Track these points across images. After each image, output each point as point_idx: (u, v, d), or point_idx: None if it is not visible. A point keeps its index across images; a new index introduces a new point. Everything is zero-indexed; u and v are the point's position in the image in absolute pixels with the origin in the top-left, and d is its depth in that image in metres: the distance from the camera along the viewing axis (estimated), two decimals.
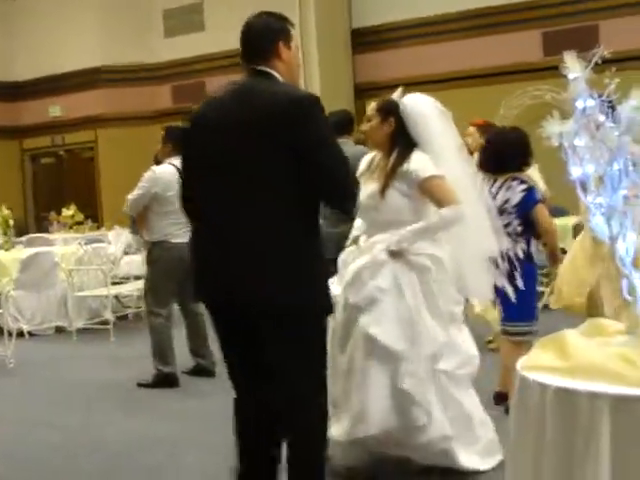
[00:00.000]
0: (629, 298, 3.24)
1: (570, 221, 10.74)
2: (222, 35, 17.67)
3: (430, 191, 4.87)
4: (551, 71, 15.34)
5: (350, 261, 5.02)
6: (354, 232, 5.30)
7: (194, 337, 8.09)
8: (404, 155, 4.93)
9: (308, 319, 3.97)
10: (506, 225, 6.07)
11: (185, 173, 4.29)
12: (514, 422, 3.20)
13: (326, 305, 4.09)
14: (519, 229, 6.09)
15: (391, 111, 5.04)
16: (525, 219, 6.08)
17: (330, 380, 4.37)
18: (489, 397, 6.01)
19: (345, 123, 7.83)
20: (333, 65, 15.42)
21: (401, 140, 4.98)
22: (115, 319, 10.82)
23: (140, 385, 7.81)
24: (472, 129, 8.45)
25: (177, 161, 7.84)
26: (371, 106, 5.16)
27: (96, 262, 11.17)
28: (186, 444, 6.06)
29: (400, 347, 4.74)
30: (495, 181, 6.20)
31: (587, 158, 3.22)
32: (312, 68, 15.14)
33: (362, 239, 5.13)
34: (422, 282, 4.86)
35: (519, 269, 6.05)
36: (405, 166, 4.89)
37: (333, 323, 4.87)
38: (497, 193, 6.14)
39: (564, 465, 2.91)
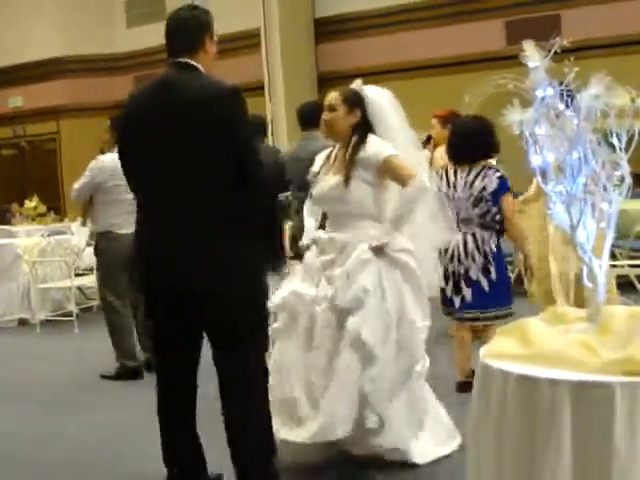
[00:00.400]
0: (589, 285, 3.26)
1: None
2: None
3: (391, 169, 4.88)
4: (514, 60, 15.42)
5: (316, 263, 4.99)
6: (306, 239, 5.28)
7: (141, 332, 8.00)
8: (361, 142, 4.95)
9: (253, 305, 4.20)
10: (482, 215, 6.14)
11: (123, 167, 4.40)
12: (476, 409, 3.21)
13: (267, 293, 4.45)
14: (498, 217, 6.15)
15: (357, 102, 5.06)
16: (500, 207, 6.20)
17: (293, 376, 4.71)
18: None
19: (316, 115, 7.79)
20: (296, 54, 15.39)
21: (362, 130, 4.99)
22: (79, 311, 10.76)
23: (104, 377, 7.75)
24: (434, 121, 8.48)
25: None
26: (331, 95, 5.13)
27: (59, 254, 11.07)
28: (148, 434, 6.04)
29: (379, 352, 4.76)
30: (470, 170, 6.26)
31: (547, 146, 3.23)
32: (275, 57, 15.12)
33: (321, 233, 5.12)
34: (406, 278, 4.89)
35: (493, 262, 6.13)
36: (363, 152, 4.90)
37: (304, 321, 4.89)
38: (473, 182, 6.21)
39: (526, 452, 2.93)
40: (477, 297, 6.18)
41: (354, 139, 4.98)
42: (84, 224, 8.84)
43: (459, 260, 6.19)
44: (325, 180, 4.95)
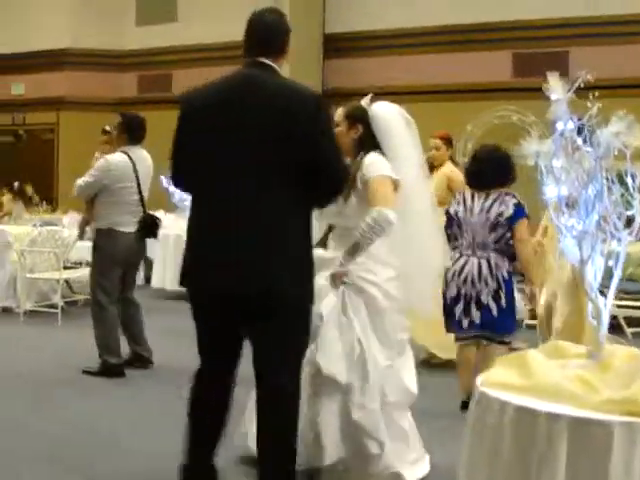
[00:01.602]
0: (593, 322, 3.25)
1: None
2: (194, 28, 17.63)
3: (369, 191, 4.79)
4: (519, 92, 15.56)
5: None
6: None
7: (132, 326, 7.97)
8: (361, 160, 4.92)
9: (306, 310, 4.22)
10: (498, 240, 6.21)
11: (180, 151, 4.25)
12: (470, 436, 3.20)
13: (313, 298, 4.31)
14: (512, 242, 6.26)
15: (359, 118, 5.03)
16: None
17: None
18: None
19: None
20: (304, 69, 15.35)
21: (366, 146, 4.95)
22: (64, 304, 10.70)
23: (85, 372, 7.70)
24: (439, 142, 8.43)
25: (133, 150, 7.77)
26: (338, 112, 5.12)
27: (49, 245, 10.99)
28: (127, 430, 6.03)
29: (346, 379, 4.72)
30: (487, 196, 6.35)
31: (563, 179, 3.23)
32: (283, 70, 15.07)
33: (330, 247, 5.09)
34: (370, 311, 4.84)
35: (504, 287, 6.18)
36: (363, 169, 4.86)
37: None
38: (490, 207, 6.30)
39: None
40: (485, 321, 6.27)
41: (360, 155, 4.95)
42: (87, 223, 8.79)
43: (472, 283, 6.26)
44: None
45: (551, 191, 3.25)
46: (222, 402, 4.39)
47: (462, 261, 6.31)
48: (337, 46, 16.26)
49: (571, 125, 3.25)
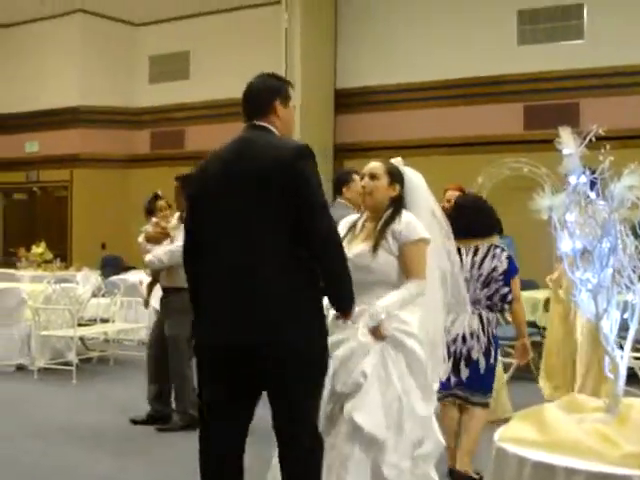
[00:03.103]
0: (610, 376, 3.24)
1: (539, 294, 10.84)
2: (206, 85, 17.82)
3: (409, 256, 4.87)
4: (530, 144, 15.62)
5: (334, 329, 4.92)
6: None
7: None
8: (395, 215, 4.97)
9: (314, 360, 4.19)
10: (490, 296, 6.09)
11: (192, 221, 4.41)
12: None
13: (327, 346, 4.29)
14: (509, 297, 6.13)
15: (398, 178, 5.11)
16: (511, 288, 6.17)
17: None
18: None
19: (343, 181, 7.73)
20: (316, 124, 15.47)
21: (397, 205, 5.02)
22: (78, 361, 10.67)
23: (161, 430, 7.74)
24: (453, 194, 8.42)
25: None
26: (374, 165, 5.13)
27: (64, 302, 11.02)
28: None
29: (384, 436, 4.69)
30: (477, 249, 6.18)
31: (577, 233, 3.24)
32: (295, 124, 15.20)
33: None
34: (409, 362, 4.83)
35: (494, 344, 6.10)
36: (396, 225, 4.91)
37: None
38: (482, 262, 6.14)
39: None
40: (473, 378, 6.08)
41: (389, 211, 5.01)
42: (107, 275, 8.80)
43: (464, 340, 6.08)
44: (350, 248, 4.92)
45: (565, 245, 3.26)
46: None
47: (451, 317, 5.94)
48: (348, 101, 16.37)
49: (584, 179, 3.27)
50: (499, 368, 7.04)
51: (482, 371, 6.07)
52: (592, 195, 3.25)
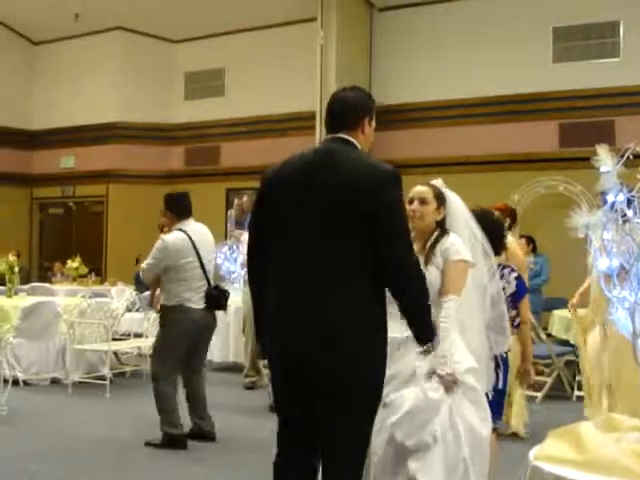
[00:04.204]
0: None
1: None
2: (241, 102, 17.90)
3: (451, 272, 4.91)
4: (565, 162, 15.54)
5: (396, 356, 4.87)
6: None
7: (194, 402, 8.01)
8: (443, 235, 5.03)
9: (377, 391, 4.14)
10: (497, 318, 5.98)
11: (258, 228, 4.33)
12: None
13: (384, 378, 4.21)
14: (517, 321, 6.04)
15: (443, 201, 5.14)
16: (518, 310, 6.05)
17: None
18: None
19: None
20: None
21: (443, 227, 5.09)
22: (112, 375, 10.74)
23: (148, 444, 7.71)
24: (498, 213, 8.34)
25: (187, 224, 7.88)
26: (422, 189, 5.14)
27: (98, 316, 11.09)
28: None
29: None
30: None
31: (614, 251, 3.22)
32: None
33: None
34: (472, 402, 4.79)
35: (502, 367, 5.99)
36: (443, 244, 4.97)
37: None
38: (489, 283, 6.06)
39: None
40: None
41: (436, 232, 5.05)
42: (141, 291, 8.86)
43: None
44: None
45: (603, 263, 3.24)
46: None
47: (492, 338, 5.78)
48: (383, 118, 16.34)
49: (621, 197, 3.25)
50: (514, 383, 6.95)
51: (490, 396, 5.96)
52: (629, 213, 3.23)
